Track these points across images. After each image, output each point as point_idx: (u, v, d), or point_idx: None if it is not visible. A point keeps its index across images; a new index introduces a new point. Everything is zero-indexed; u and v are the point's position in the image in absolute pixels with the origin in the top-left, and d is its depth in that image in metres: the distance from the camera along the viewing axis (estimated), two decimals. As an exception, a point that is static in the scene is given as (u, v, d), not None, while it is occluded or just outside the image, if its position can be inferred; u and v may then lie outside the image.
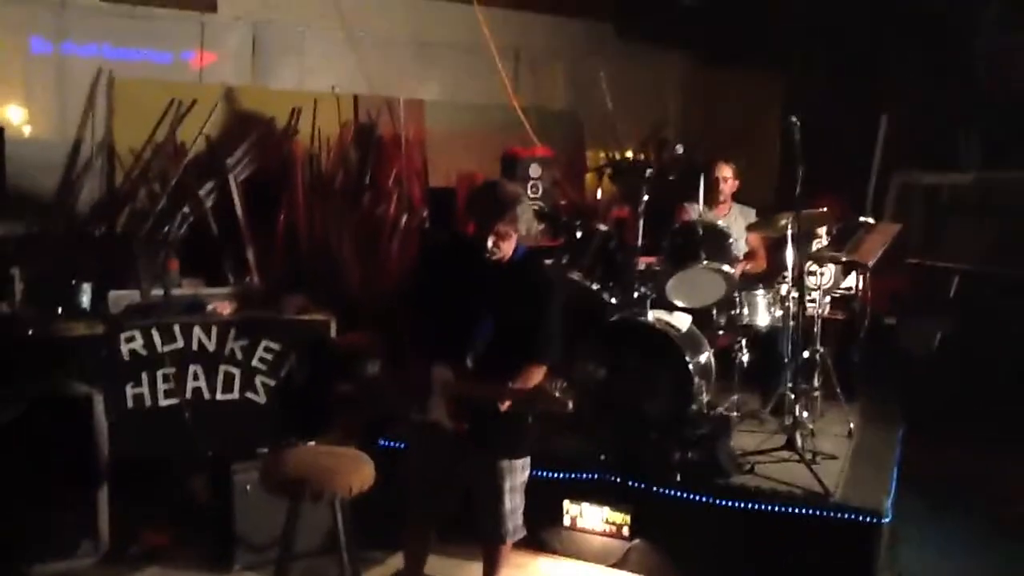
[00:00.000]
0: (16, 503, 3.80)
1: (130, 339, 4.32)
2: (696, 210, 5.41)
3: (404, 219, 6.52)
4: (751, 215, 5.54)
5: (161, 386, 4.41)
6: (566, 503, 4.27)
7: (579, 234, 4.92)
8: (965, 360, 6.06)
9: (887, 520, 3.84)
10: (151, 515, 4.22)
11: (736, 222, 5.39)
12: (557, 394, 3.08)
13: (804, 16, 7.52)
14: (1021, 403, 5.57)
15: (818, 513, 3.87)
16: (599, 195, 5.67)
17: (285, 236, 6.12)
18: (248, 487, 3.97)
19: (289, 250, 6.11)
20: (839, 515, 3.85)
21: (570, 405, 3.07)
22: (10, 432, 3.80)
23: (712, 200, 5.50)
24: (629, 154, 7.80)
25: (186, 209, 5.79)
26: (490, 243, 3.26)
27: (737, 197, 5.66)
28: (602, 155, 7.85)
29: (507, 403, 3.18)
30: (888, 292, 6.22)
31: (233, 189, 5.96)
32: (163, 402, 4.42)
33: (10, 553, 3.80)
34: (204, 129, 6.11)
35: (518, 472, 3.47)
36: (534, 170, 6.34)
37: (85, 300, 4.48)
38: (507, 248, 3.32)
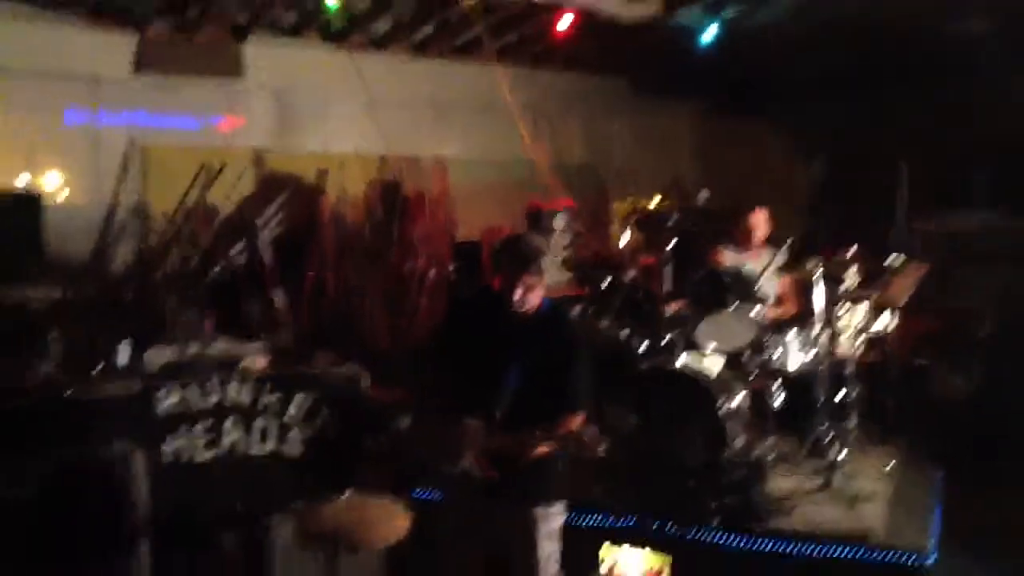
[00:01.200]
0: (58, 563, 3.81)
1: (166, 396, 4.35)
2: (730, 255, 5.43)
3: (431, 274, 6.60)
4: (781, 258, 5.54)
5: (198, 441, 4.43)
6: (603, 548, 4.22)
7: (605, 284, 4.95)
8: (999, 402, 5.98)
9: (931, 561, 3.77)
10: (191, 570, 4.20)
11: (769, 265, 5.39)
12: (587, 439, 3.07)
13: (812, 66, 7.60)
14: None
15: (861, 554, 3.81)
16: (623, 244, 5.70)
17: (313, 292, 6.20)
18: (284, 541, 3.96)
19: (318, 306, 6.19)
20: (883, 556, 3.79)
21: (600, 450, 3.07)
22: (50, 493, 3.82)
23: (746, 244, 5.51)
24: (654, 203, 7.87)
25: (217, 268, 5.89)
26: (518, 295, 3.29)
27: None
28: (628, 204, 7.92)
29: (540, 449, 3.18)
30: (920, 334, 6.17)
31: (263, 248, 6.07)
32: (199, 458, 4.43)
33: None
34: (233, 191, 6.24)
35: (552, 518, 3.45)
36: (558, 222, 6.43)
37: (122, 359, 4.54)
38: (534, 299, 3.35)
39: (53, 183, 6.00)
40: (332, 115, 7.14)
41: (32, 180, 5.97)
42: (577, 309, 5.06)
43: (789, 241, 5.19)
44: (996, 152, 7.35)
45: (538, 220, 6.42)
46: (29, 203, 5.24)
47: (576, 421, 3.26)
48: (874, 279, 5.19)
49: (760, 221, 5.51)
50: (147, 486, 4.08)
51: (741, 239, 5.41)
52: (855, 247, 5.00)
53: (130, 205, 6.08)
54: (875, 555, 3.80)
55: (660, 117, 8.62)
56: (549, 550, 3.45)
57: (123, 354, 4.56)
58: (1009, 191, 7.27)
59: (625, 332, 4.87)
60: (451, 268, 6.64)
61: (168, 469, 4.30)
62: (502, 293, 3.35)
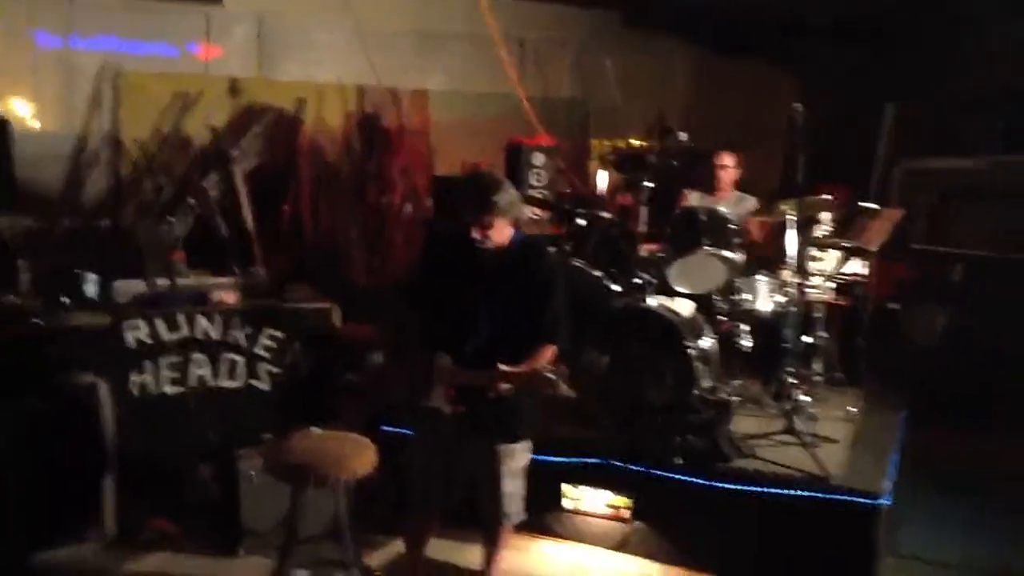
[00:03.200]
0: (24, 490, 3.84)
1: (135, 328, 4.35)
2: (695, 197, 5.45)
3: (409, 209, 6.56)
4: (750, 203, 5.54)
5: (166, 374, 4.45)
6: (566, 487, 4.30)
7: (582, 222, 4.94)
8: (968, 346, 6.06)
9: (886, 502, 3.85)
10: (156, 502, 4.26)
11: (735, 209, 5.39)
12: (551, 376, 3.09)
13: (810, 5, 7.49)
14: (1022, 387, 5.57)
15: (818, 496, 3.89)
16: (603, 183, 5.67)
17: (290, 226, 6.16)
18: (252, 473, 4.02)
19: (294, 240, 6.16)
20: (838, 497, 3.86)
21: (563, 387, 3.09)
22: (18, 421, 3.84)
23: (713, 188, 5.52)
24: (634, 142, 7.80)
25: (191, 200, 5.83)
26: (476, 234, 3.28)
27: (741, 186, 5.66)
28: (606, 143, 7.86)
29: (502, 386, 3.21)
30: (892, 278, 6.21)
31: (238, 180, 6.00)
32: (168, 390, 4.46)
33: (18, 540, 3.85)
34: (210, 121, 6.15)
35: (517, 456, 3.50)
36: (538, 159, 6.36)
37: (91, 291, 4.52)
38: (498, 236, 3.32)
39: (23, 108, 5.90)
40: (312, 43, 7.00)
41: (3, 104, 5.87)
42: (553, 247, 5.05)
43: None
44: (987, 92, 7.29)
45: (518, 156, 6.34)
46: (-1, 128, 5.16)
47: (545, 356, 3.28)
48: (849, 223, 5.19)
49: (727, 163, 5.49)
50: (115, 417, 4.11)
51: (709, 182, 5.40)
52: (833, 195, 4.97)
53: (103, 133, 5.99)
54: (832, 496, 3.87)
55: (650, 53, 8.47)
56: (514, 487, 3.52)
57: (92, 285, 4.53)
58: (1004, 134, 7.24)
59: (600, 271, 4.87)
60: (429, 203, 6.59)
61: (136, 401, 4.33)
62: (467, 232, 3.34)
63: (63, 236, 5.53)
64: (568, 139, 7.33)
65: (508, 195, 3.30)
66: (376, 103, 6.89)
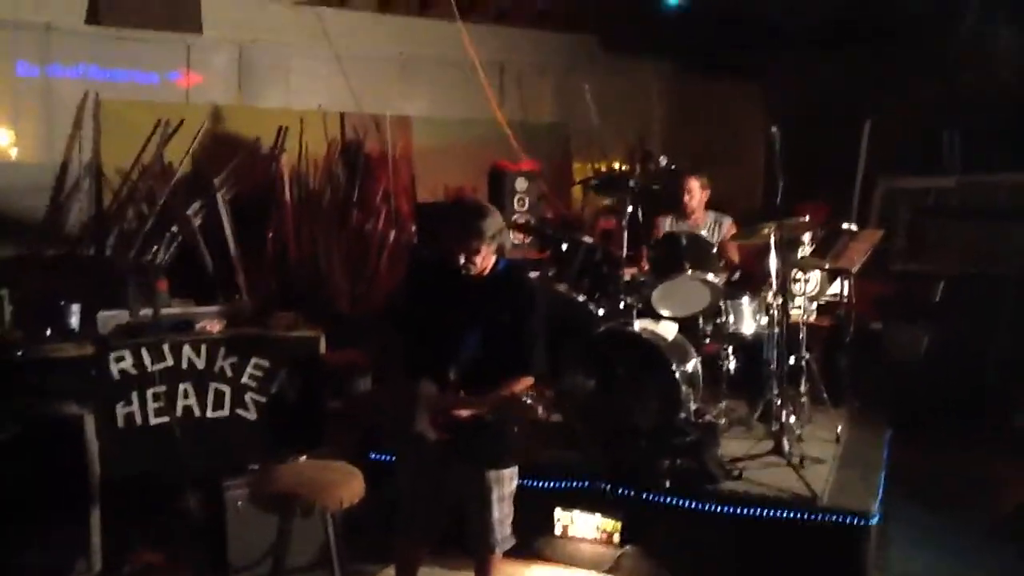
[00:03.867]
0: (9, 524, 3.80)
1: (120, 359, 4.32)
2: (667, 222, 5.51)
3: (392, 235, 6.57)
4: (726, 222, 5.59)
5: (151, 405, 4.41)
6: (557, 511, 4.30)
7: (565, 246, 4.97)
8: (951, 363, 6.12)
9: (875, 521, 3.88)
10: (144, 533, 4.21)
11: (710, 231, 5.46)
12: (528, 401, 3.10)
13: (783, 24, 7.60)
14: (1006, 404, 5.62)
15: (807, 517, 3.91)
16: (584, 207, 5.72)
17: (273, 254, 6.15)
18: (239, 503, 3.99)
19: (278, 268, 6.15)
20: (827, 518, 3.88)
21: (541, 411, 3.10)
22: (2, 452, 3.80)
23: (682, 213, 5.57)
24: (615, 166, 7.87)
25: (174, 229, 5.82)
26: (460, 260, 3.30)
27: (715, 206, 5.71)
28: (588, 167, 7.92)
29: (479, 410, 3.21)
30: (873, 298, 6.28)
31: (221, 208, 6.00)
32: (153, 421, 4.42)
33: (3, 573, 3.80)
34: (191, 149, 6.15)
35: (505, 482, 3.49)
36: (520, 184, 6.40)
37: (74, 321, 4.48)
38: (481, 263, 3.34)
39: (5, 137, 5.87)
40: (294, 70, 7.03)
41: (-17, 135, 5.85)
42: (536, 272, 5.07)
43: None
44: (965, 112, 7.41)
45: (500, 181, 6.38)
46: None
47: (524, 383, 3.29)
48: (829, 244, 5.25)
49: (693, 188, 5.55)
50: (100, 448, 4.07)
51: (679, 206, 5.48)
52: (813, 214, 5.03)
53: (84, 161, 5.96)
54: (821, 517, 3.89)
55: (628, 76, 8.57)
56: (502, 513, 3.49)
57: (74, 316, 4.49)
58: (977, 150, 7.36)
59: (584, 296, 4.90)
60: (412, 229, 6.61)
61: (122, 432, 4.30)
62: (452, 258, 3.36)
63: (45, 265, 5.48)
64: (550, 163, 7.38)
65: (493, 221, 3.32)
66: (358, 129, 6.91)
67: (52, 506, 3.91)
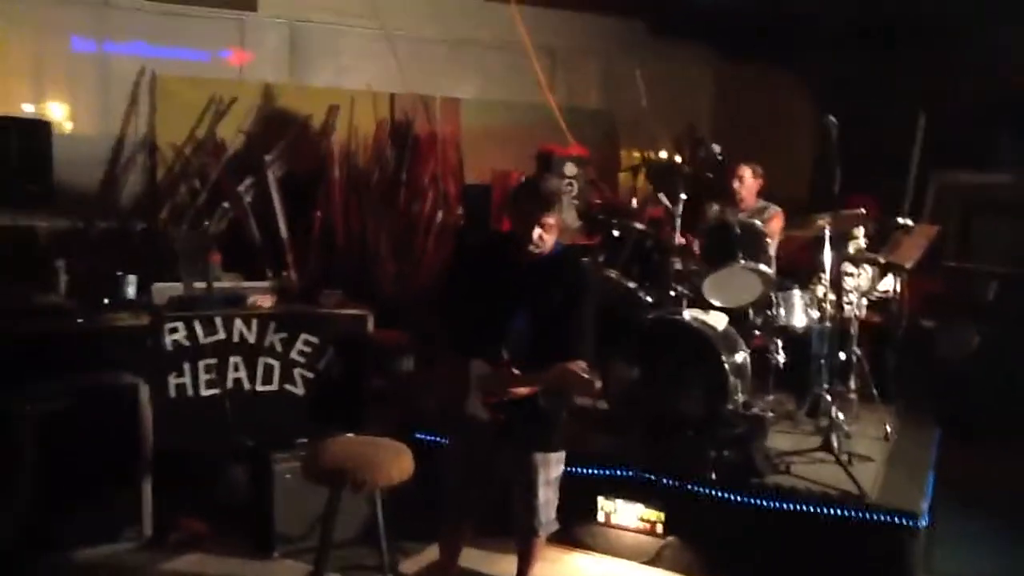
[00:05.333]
0: (63, 491, 3.88)
1: (173, 330, 4.38)
2: (715, 210, 5.45)
3: (439, 216, 6.58)
4: (773, 210, 5.51)
5: (203, 376, 4.47)
6: (600, 499, 4.29)
7: (616, 232, 4.94)
8: (1003, 363, 6.01)
9: (923, 522, 3.81)
10: (193, 503, 4.29)
11: (758, 219, 5.40)
12: (585, 376, 3.08)
13: (839, 11, 7.46)
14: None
15: (854, 515, 3.86)
16: (636, 194, 5.67)
17: (321, 232, 6.19)
18: (287, 477, 4.03)
19: (325, 246, 6.18)
20: (875, 517, 3.83)
21: (598, 384, 3.07)
22: (59, 420, 3.87)
23: (732, 201, 5.50)
24: (664, 153, 7.80)
25: (225, 205, 5.88)
26: (535, 235, 3.29)
27: (764, 195, 5.64)
28: (636, 154, 7.86)
29: (537, 386, 3.21)
30: (925, 295, 6.17)
31: (271, 185, 6.04)
32: (204, 392, 4.48)
33: (57, 538, 3.88)
34: (243, 126, 6.20)
35: (552, 466, 3.50)
36: (569, 168, 6.37)
37: (130, 292, 4.56)
38: (549, 241, 3.35)
39: (61, 111, 5.96)
40: (345, 50, 7.04)
41: (40, 107, 5.93)
42: (586, 257, 5.05)
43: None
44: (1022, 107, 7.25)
45: (548, 165, 6.35)
46: (39, 130, 5.19)
47: (578, 366, 3.27)
48: (883, 239, 5.17)
49: (744, 175, 5.47)
50: (153, 418, 4.14)
51: (730, 195, 5.41)
52: (863, 206, 4.95)
53: (138, 136, 6.04)
54: (868, 515, 3.84)
55: (676, 62, 8.47)
56: (548, 496, 3.51)
57: (130, 286, 4.57)
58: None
59: (633, 283, 4.87)
60: (459, 211, 6.61)
61: (173, 402, 4.36)
62: (516, 235, 3.36)
63: (100, 238, 5.57)
64: (596, 149, 7.33)
65: (567, 201, 3.34)
66: (407, 110, 6.92)
67: (105, 474, 3.99)
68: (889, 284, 5.37)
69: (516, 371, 3.20)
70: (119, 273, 4.54)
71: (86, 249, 5.32)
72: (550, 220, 3.30)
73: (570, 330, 3.32)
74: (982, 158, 7.40)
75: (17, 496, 3.83)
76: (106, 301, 4.42)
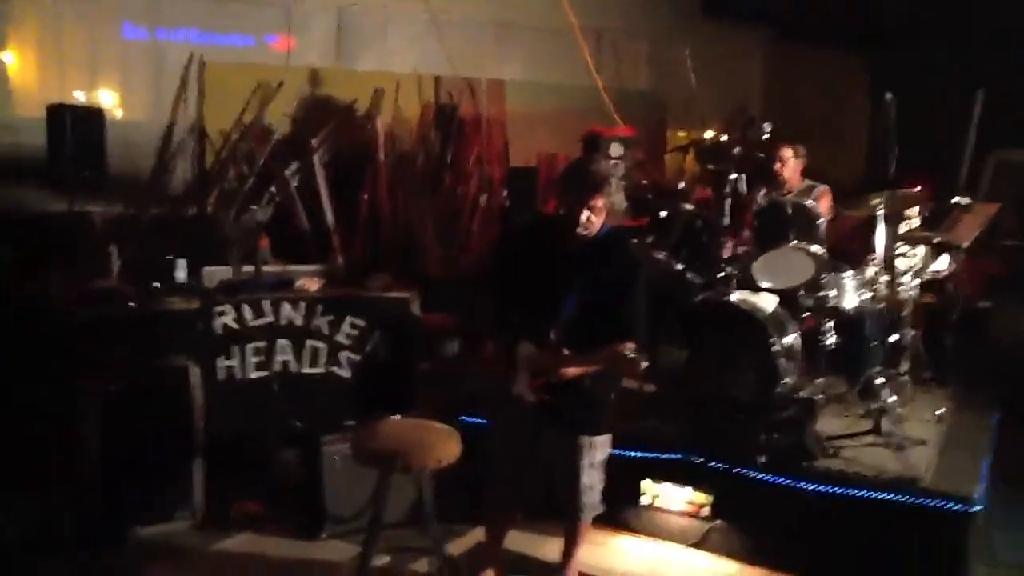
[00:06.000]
0: (117, 472, 3.96)
1: (223, 313, 4.44)
2: (761, 192, 5.36)
3: (484, 199, 6.57)
4: (818, 190, 5.40)
5: (251, 359, 4.53)
6: (646, 483, 4.27)
7: (664, 214, 4.88)
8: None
9: (978, 508, 3.72)
10: (244, 485, 4.35)
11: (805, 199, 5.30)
12: (632, 356, 3.05)
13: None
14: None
15: (906, 500, 3.78)
16: (683, 176, 5.61)
17: (367, 216, 6.22)
18: (336, 459, 4.07)
19: (371, 229, 6.22)
20: (928, 502, 3.74)
21: (645, 364, 3.04)
22: (114, 403, 3.96)
23: (775, 183, 5.40)
24: (710, 134, 7.69)
25: (272, 189, 5.93)
26: (584, 216, 3.27)
27: (814, 177, 5.52)
28: (684, 135, 7.77)
29: (586, 366, 3.20)
30: (982, 275, 6.01)
31: (317, 170, 6.09)
32: (252, 375, 4.54)
33: (112, 517, 3.97)
34: (290, 111, 6.25)
35: (598, 449, 3.48)
36: (616, 150, 6.30)
37: (181, 275, 4.63)
38: (597, 223, 3.33)
39: (113, 98, 6.06)
40: (390, 34, 7.05)
41: (93, 94, 6.04)
42: (634, 239, 5.00)
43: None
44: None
45: (596, 147, 6.28)
46: (93, 117, 5.28)
47: (628, 347, 3.25)
48: (939, 218, 5.03)
49: (786, 157, 5.36)
50: (203, 399, 4.21)
51: (772, 175, 5.32)
52: (919, 186, 4.82)
53: (188, 123, 6.12)
54: (920, 501, 3.76)
55: (729, 43, 8.34)
56: (593, 480, 3.50)
57: (181, 270, 4.64)
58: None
59: (682, 264, 4.81)
60: (504, 194, 6.59)
61: (222, 385, 4.43)
62: (565, 217, 3.34)
63: (151, 223, 5.66)
64: (644, 130, 7.26)
65: (616, 183, 3.31)
66: (452, 93, 6.91)
67: (158, 455, 4.07)
68: (944, 264, 5.23)
69: (565, 353, 3.19)
70: (170, 257, 4.61)
71: (138, 234, 5.41)
72: (599, 203, 3.28)
73: (619, 312, 3.29)
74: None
75: (79, 478, 3.92)
76: (157, 285, 4.49)
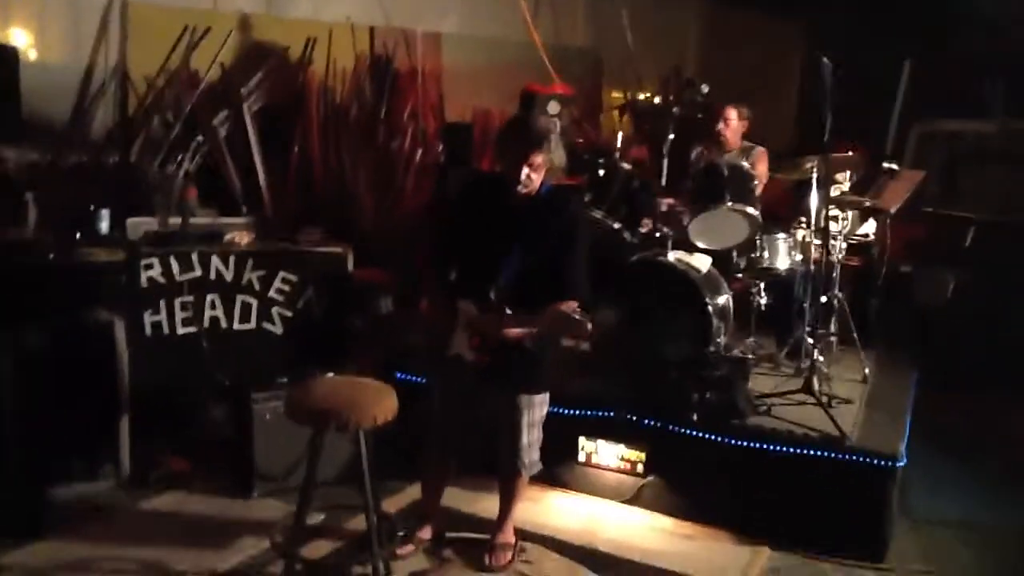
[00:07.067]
0: (40, 429, 3.81)
1: (149, 266, 4.29)
2: (699, 151, 5.40)
3: (419, 154, 6.46)
4: (755, 152, 5.46)
5: (179, 315, 4.39)
6: (581, 439, 4.30)
7: (601, 172, 4.87)
8: (978, 308, 6.07)
9: (902, 464, 3.86)
10: (172, 442, 4.25)
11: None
12: (578, 318, 3.05)
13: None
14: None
15: (834, 456, 3.89)
16: (619, 135, 5.59)
17: (299, 168, 6.06)
18: (267, 416, 4.00)
19: (303, 182, 6.06)
20: (855, 458, 3.87)
21: (590, 326, 3.04)
22: (35, 357, 3.80)
23: (716, 143, 5.44)
24: (647, 94, 7.71)
25: (200, 138, 5.72)
26: (524, 174, 3.23)
27: (749, 138, 5.58)
28: (621, 94, 7.75)
29: (532, 329, 3.17)
30: (904, 240, 6.19)
31: (247, 119, 5.88)
32: (181, 331, 4.41)
33: (34, 476, 3.82)
34: (218, 57, 6.00)
35: (536, 407, 3.50)
36: (552, 107, 6.25)
37: (103, 226, 4.45)
38: (537, 180, 3.30)
39: (27, 38, 5.73)
40: (324, -21, 6.82)
41: (5, 33, 5.69)
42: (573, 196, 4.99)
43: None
44: (1009, 61, 7.23)
45: (532, 104, 6.23)
46: (5, 56, 4.98)
47: (571, 306, 3.23)
48: (868, 183, 5.15)
49: (730, 117, 5.40)
50: (129, 355, 4.07)
51: (715, 137, 5.37)
52: (850, 151, 4.91)
53: (110, 65, 5.83)
54: (847, 457, 3.88)
55: (667, 2, 8.31)
56: (532, 437, 3.51)
57: (103, 221, 4.45)
58: (1016, 97, 7.19)
59: (619, 224, 4.82)
60: (440, 149, 6.49)
61: (149, 340, 4.29)
62: (505, 174, 3.29)
63: (71, 171, 5.39)
64: (581, 88, 7.21)
65: (556, 140, 3.28)
66: (387, 44, 6.74)
67: (81, 412, 3.93)
68: (871, 228, 5.37)
69: (508, 313, 3.16)
70: (92, 207, 4.41)
71: (57, 182, 5.15)
72: (538, 159, 3.25)
73: (563, 271, 3.28)
74: (966, 108, 7.39)
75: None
76: (78, 236, 4.30)
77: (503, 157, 3.35)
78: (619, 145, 5.49)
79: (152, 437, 4.15)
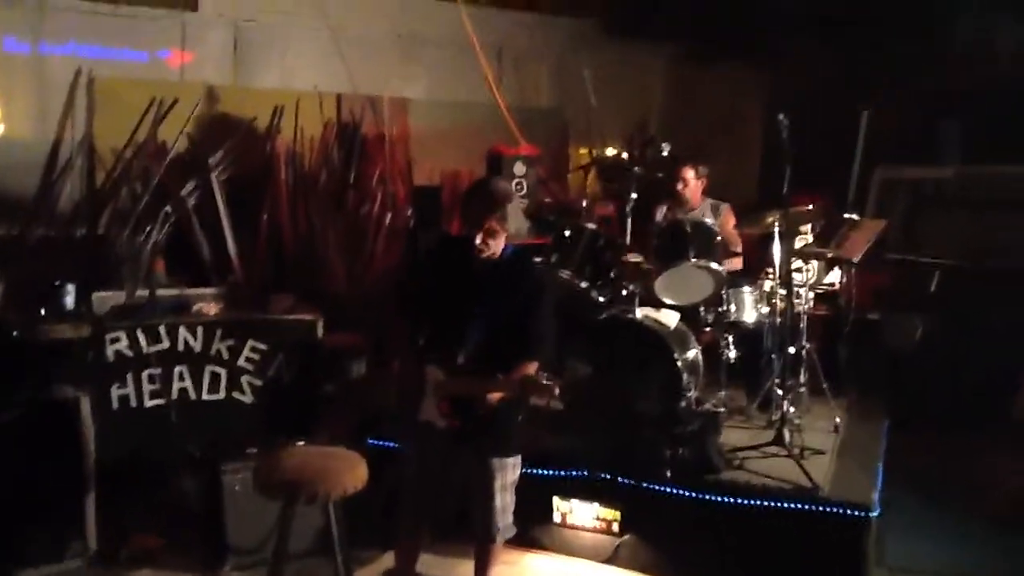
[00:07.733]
0: (5, 506, 3.75)
1: (116, 340, 4.27)
2: (663, 211, 5.48)
3: (388, 218, 6.50)
4: (723, 209, 5.55)
5: (147, 387, 4.36)
6: (556, 500, 4.28)
7: (567, 232, 4.93)
8: (947, 354, 6.13)
9: (876, 514, 3.87)
10: (140, 517, 4.18)
11: (705, 218, 5.44)
12: (545, 381, 3.06)
13: (786, 12, 7.57)
14: (1002, 394, 5.64)
15: (808, 508, 3.90)
16: (586, 193, 5.67)
17: (268, 236, 6.08)
18: (237, 488, 3.95)
19: (273, 250, 6.07)
20: (828, 510, 3.87)
21: (557, 390, 3.07)
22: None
23: (677, 202, 5.53)
24: (612, 152, 7.82)
25: (168, 209, 5.73)
26: (478, 240, 3.26)
27: (713, 194, 5.67)
28: (584, 152, 7.86)
29: (497, 394, 3.18)
30: (870, 288, 6.27)
31: (215, 189, 5.91)
32: (149, 403, 4.37)
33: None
34: (186, 128, 6.06)
35: (509, 471, 3.48)
36: (519, 168, 6.35)
37: (69, 301, 4.42)
38: (496, 246, 3.33)
39: (-7, 115, 5.76)
40: (290, 50, 6.91)
41: (-29, 110, 5.73)
42: (538, 258, 5.03)
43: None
44: (964, 102, 7.41)
45: (498, 165, 6.32)
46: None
47: (531, 368, 3.24)
48: (831, 234, 5.23)
49: (687, 176, 5.50)
50: (96, 430, 4.02)
51: (675, 195, 5.46)
52: (811, 202, 5.01)
53: (77, 139, 5.86)
54: (822, 508, 3.88)
55: (629, 61, 8.49)
56: (505, 501, 3.49)
57: (69, 296, 4.43)
58: (976, 141, 7.35)
59: (586, 283, 4.86)
60: (409, 212, 6.54)
61: (117, 414, 4.24)
62: (466, 238, 3.32)
63: (37, 245, 5.39)
64: (547, 148, 7.31)
65: (515, 205, 3.32)
66: (354, 111, 6.83)
67: (48, 488, 3.86)
68: (836, 277, 5.45)
69: (473, 377, 3.17)
70: (57, 282, 4.39)
71: (23, 257, 5.14)
72: (495, 224, 3.28)
73: (526, 333, 3.30)
74: (925, 154, 7.56)
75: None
76: (43, 312, 4.27)
77: (465, 222, 3.38)
78: (585, 204, 5.57)
79: (121, 512, 4.08)
